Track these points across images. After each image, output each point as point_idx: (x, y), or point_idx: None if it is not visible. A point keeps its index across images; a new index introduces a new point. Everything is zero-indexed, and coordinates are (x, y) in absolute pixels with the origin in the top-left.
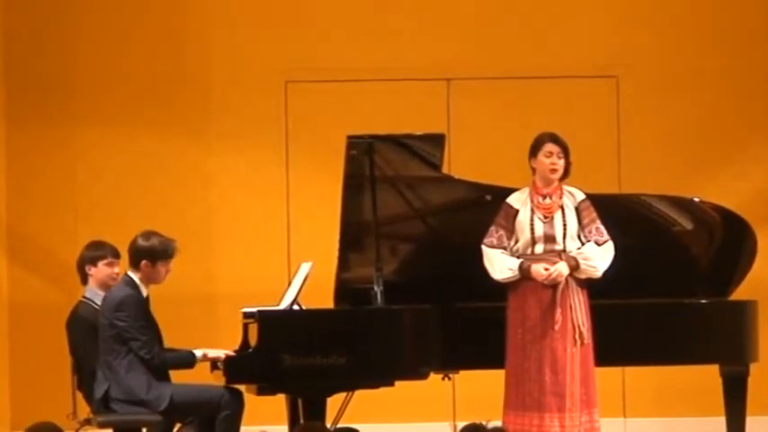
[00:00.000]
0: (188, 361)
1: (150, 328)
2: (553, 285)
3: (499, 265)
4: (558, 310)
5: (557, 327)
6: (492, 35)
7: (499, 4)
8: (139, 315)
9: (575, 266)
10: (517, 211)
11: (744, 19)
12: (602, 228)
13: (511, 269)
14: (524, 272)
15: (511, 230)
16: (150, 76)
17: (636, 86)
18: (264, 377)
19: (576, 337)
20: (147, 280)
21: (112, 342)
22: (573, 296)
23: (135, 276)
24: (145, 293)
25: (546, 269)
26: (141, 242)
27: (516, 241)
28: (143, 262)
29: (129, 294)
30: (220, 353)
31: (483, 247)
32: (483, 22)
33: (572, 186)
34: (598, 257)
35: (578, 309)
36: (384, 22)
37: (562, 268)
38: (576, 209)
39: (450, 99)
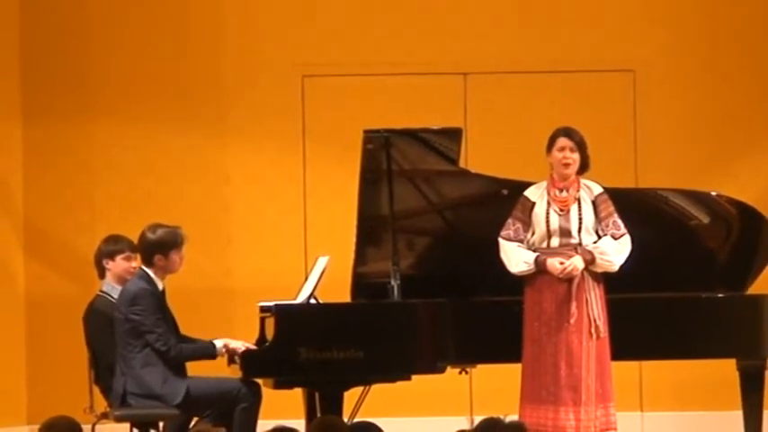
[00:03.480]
0: (208, 351)
1: (166, 321)
2: (568, 279)
3: (515, 258)
4: (574, 304)
5: (572, 320)
6: (508, 29)
7: None
8: (155, 308)
9: (590, 260)
10: (534, 203)
11: (759, 13)
12: (619, 221)
13: (526, 263)
14: (540, 265)
15: (527, 223)
16: (166, 72)
17: (653, 81)
18: (281, 371)
19: (592, 330)
20: (164, 272)
21: (128, 336)
22: (589, 290)
23: (149, 270)
24: (161, 287)
25: (561, 263)
26: (149, 236)
27: (533, 234)
28: (156, 256)
29: (144, 288)
30: (240, 344)
31: (499, 239)
32: (500, 17)
33: (589, 180)
34: (614, 252)
35: (594, 302)
36: (401, 17)
37: (577, 262)
38: (593, 202)
39: (466, 93)
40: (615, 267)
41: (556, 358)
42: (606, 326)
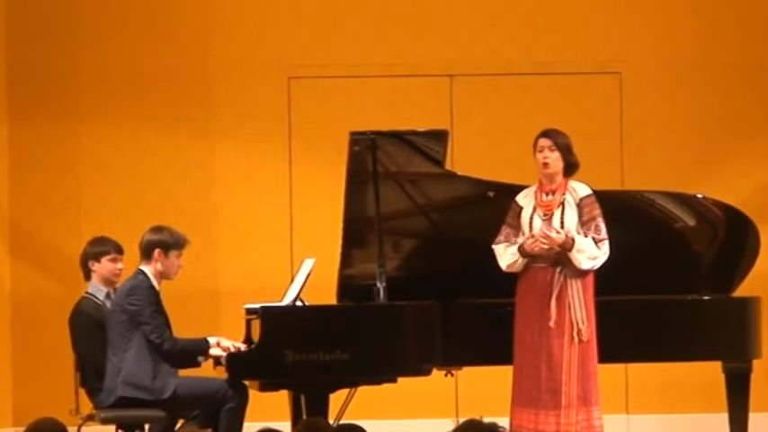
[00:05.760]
0: (200, 347)
1: (162, 314)
2: (551, 282)
3: (504, 255)
4: (553, 306)
5: (551, 323)
6: (494, 31)
7: (502, 1)
8: (151, 300)
9: (569, 248)
10: (522, 208)
11: (746, 15)
12: (601, 226)
13: (512, 254)
14: (523, 251)
15: (517, 228)
16: (153, 72)
17: (639, 82)
18: (267, 373)
19: (575, 334)
20: (160, 274)
21: (123, 328)
22: (572, 293)
23: (147, 270)
24: (157, 288)
25: (532, 236)
26: (152, 235)
27: (522, 236)
28: (156, 250)
29: (142, 281)
30: (230, 344)
31: (492, 246)
32: (486, 19)
33: (578, 182)
34: (589, 254)
35: (577, 306)
36: (387, 19)
37: (556, 236)
38: (578, 205)
39: (452, 95)
40: (582, 268)
41: (537, 361)
42: (592, 329)
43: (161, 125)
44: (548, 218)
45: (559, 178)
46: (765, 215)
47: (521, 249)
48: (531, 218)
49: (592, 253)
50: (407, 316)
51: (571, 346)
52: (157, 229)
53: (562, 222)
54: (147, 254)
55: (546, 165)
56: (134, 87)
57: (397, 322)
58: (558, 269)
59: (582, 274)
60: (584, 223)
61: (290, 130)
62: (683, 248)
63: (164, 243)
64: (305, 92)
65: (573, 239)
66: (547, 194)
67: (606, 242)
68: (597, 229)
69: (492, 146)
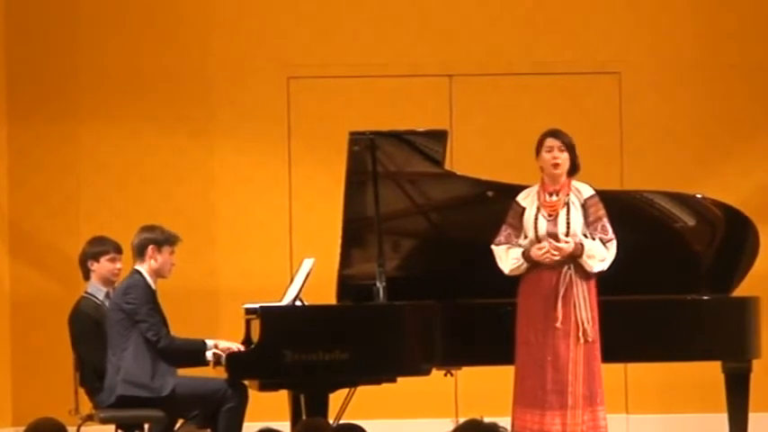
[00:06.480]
0: (197, 347)
1: (158, 313)
2: (557, 282)
3: (506, 258)
4: (560, 307)
5: (558, 324)
6: (494, 31)
7: (502, 1)
8: (148, 298)
9: (579, 255)
10: (524, 209)
11: (746, 15)
12: (608, 226)
13: (516, 258)
14: (527, 257)
15: (519, 228)
16: (153, 72)
17: (638, 82)
18: (267, 373)
19: (580, 334)
20: (155, 272)
21: (120, 327)
22: (578, 293)
23: (142, 269)
24: (153, 286)
25: (540, 248)
26: (144, 234)
27: (524, 238)
28: (149, 247)
29: (138, 279)
30: (229, 345)
31: (492, 247)
32: (485, 19)
33: (581, 182)
34: (599, 257)
35: (583, 306)
36: (386, 19)
37: (565, 246)
38: (583, 206)
39: (452, 95)
40: (593, 272)
41: (543, 362)
42: (596, 329)
43: (161, 125)
44: (552, 218)
45: (563, 178)
46: (765, 215)
47: (525, 256)
48: (536, 218)
49: (601, 255)
50: (407, 316)
51: (577, 347)
52: (148, 228)
53: (568, 223)
54: (140, 252)
55: (556, 165)
56: (134, 87)
57: (396, 322)
58: (564, 270)
59: (587, 274)
60: (589, 224)
61: (290, 130)
62: (683, 248)
63: (156, 240)
64: (304, 92)
65: (582, 245)
66: (550, 195)
67: (614, 242)
68: (604, 230)
69: (492, 146)
